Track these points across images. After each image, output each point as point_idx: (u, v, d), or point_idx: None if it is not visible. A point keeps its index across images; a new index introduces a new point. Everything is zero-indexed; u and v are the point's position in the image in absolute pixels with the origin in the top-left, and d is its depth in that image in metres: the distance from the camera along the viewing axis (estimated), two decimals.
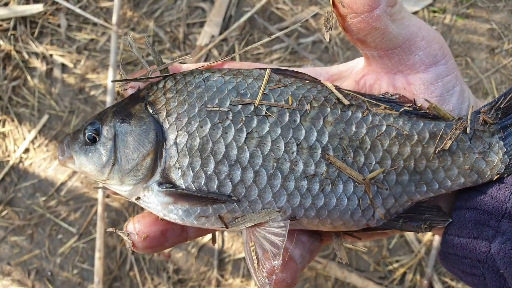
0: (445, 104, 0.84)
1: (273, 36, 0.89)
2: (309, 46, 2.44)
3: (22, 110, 2.39)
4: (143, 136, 0.81)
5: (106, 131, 0.82)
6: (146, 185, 0.81)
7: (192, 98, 0.81)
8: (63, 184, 2.29)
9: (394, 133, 0.82)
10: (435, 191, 0.84)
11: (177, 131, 0.80)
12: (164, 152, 0.80)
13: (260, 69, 0.85)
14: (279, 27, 2.48)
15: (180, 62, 0.86)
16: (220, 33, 2.48)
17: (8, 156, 2.33)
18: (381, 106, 0.84)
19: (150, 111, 0.82)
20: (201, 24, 2.51)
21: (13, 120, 2.37)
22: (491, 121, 0.83)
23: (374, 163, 0.81)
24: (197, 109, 0.80)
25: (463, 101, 0.84)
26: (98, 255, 2.09)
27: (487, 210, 0.81)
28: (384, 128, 0.82)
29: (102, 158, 0.82)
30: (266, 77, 0.83)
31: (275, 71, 0.85)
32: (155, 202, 0.82)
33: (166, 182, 0.80)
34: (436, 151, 0.82)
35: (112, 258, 2.17)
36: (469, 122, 0.82)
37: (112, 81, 0.81)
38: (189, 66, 0.86)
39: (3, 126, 2.37)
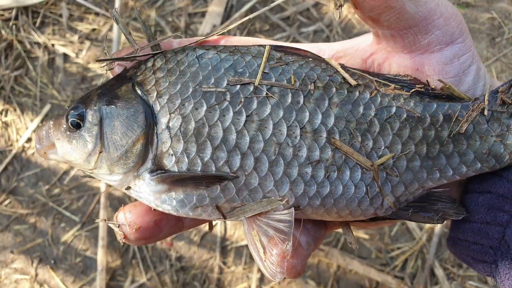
0: (460, 84, 0.74)
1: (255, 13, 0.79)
2: (310, 35, 2.34)
3: (25, 100, 2.30)
4: (132, 120, 0.71)
5: (91, 116, 0.72)
6: (137, 173, 0.72)
7: (185, 78, 0.72)
8: (65, 173, 2.20)
9: (405, 115, 0.73)
10: (449, 178, 0.75)
11: (170, 114, 0.70)
12: (155, 137, 0.71)
13: (259, 46, 0.75)
14: (280, 16, 2.38)
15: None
16: (222, 23, 2.38)
17: (11, 145, 2.25)
18: (390, 86, 0.75)
19: (139, 92, 0.72)
20: (203, 14, 2.41)
21: (15, 110, 2.29)
22: (510, 101, 0.73)
23: (383, 147, 0.73)
24: (191, 90, 0.71)
25: (479, 80, 0.75)
26: (101, 243, 2.02)
27: (502, 193, 0.73)
28: (394, 110, 0.73)
29: (87, 146, 0.72)
30: (265, 54, 0.73)
31: (275, 47, 0.75)
32: (147, 191, 0.72)
33: (158, 170, 0.71)
34: (451, 135, 0.73)
35: (115, 246, 2.10)
36: (486, 103, 0.73)
37: (96, 61, 0.71)
38: (181, 41, 0.76)
39: (6, 115, 2.29)
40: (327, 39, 2.34)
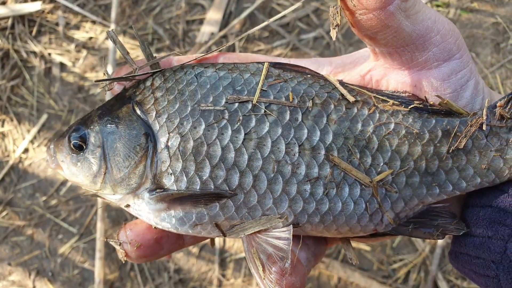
0: (458, 100, 0.76)
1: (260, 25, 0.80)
2: (310, 42, 2.36)
3: (21, 110, 2.32)
4: (134, 142, 0.73)
5: (93, 138, 0.74)
6: (136, 192, 0.74)
7: (183, 97, 0.73)
8: (62, 184, 2.22)
9: (404, 131, 0.75)
10: (449, 193, 0.76)
11: (169, 133, 0.72)
12: (155, 157, 0.72)
13: (258, 63, 0.77)
14: (280, 23, 2.39)
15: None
16: (220, 30, 2.40)
17: (8, 156, 2.27)
18: (389, 102, 0.76)
19: (138, 112, 0.74)
20: (201, 21, 2.43)
21: (12, 120, 2.30)
22: (509, 116, 0.75)
23: (382, 164, 0.74)
24: (189, 109, 0.73)
25: (477, 94, 0.76)
26: (98, 255, 2.03)
27: (503, 207, 0.74)
28: (392, 126, 0.75)
29: (92, 168, 0.74)
30: (264, 71, 0.75)
31: (273, 65, 0.77)
32: (146, 210, 0.74)
33: (157, 189, 0.73)
34: (450, 151, 0.74)
35: (112, 258, 2.11)
36: (485, 117, 0.74)
37: (95, 81, 0.73)
38: (180, 59, 0.78)
39: (3, 126, 2.31)
40: (328, 46, 2.36)
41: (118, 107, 0.75)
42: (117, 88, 0.78)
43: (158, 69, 0.77)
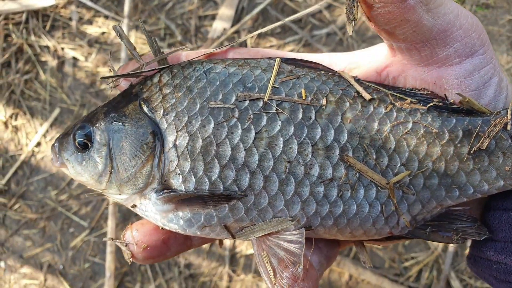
0: (481, 98, 0.71)
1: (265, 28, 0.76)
2: (323, 38, 2.31)
3: (34, 104, 2.31)
4: (141, 141, 0.69)
5: (99, 136, 0.71)
6: (143, 192, 0.70)
7: (192, 94, 0.69)
8: None
9: (422, 131, 0.70)
10: (469, 196, 0.72)
11: (177, 132, 0.68)
12: (162, 156, 0.69)
13: (269, 58, 0.73)
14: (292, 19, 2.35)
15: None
16: (232, 26, 2.36)
17: (21, 149, 2.26)
18: (406, 100, 0.72)
19: (145, 109, 0.70)
20: (213, 17, 2.39)
21: (25, 114, 2.30)
22: None
23: (399, 165, 0.70)
24: (198, 106, 0.69)
25: (501, 92, 0.72)
26: (109, 249, 2.01)
27: None
28: (410, 125, 0.70)
29: (98, 167, 0.71)
30: (275, 68, 0.71)
31: (285, 60, 0.73)
32: (153, 210, 0.71)
33: (165, 189, 0.69)
34: (472, 151, 0.70)
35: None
36: (509, 117, 0.69)
37: (101, 78, 0.70)
38: (188, 55, 0.74)
39: (16, 119, 2.30)
40: (340, 42, 2.31)
41: (124, 104, 0.71)
42: (124, 84, 0.75)
43: (166, 65, 0.74)
